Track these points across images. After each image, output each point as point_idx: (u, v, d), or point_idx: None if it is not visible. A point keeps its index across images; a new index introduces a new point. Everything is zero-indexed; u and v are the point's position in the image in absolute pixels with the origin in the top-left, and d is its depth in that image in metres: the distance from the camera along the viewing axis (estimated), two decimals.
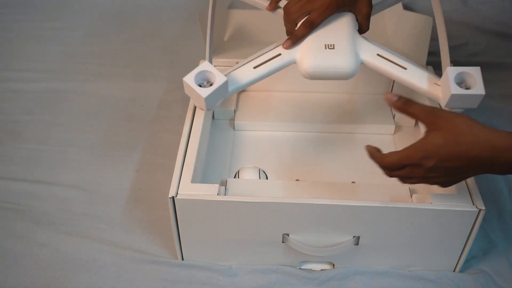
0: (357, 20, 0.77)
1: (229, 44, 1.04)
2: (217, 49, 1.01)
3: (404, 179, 0.67)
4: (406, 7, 1.23)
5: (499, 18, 1.33)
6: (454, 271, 0.80)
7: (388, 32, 1.10)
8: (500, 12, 1.35)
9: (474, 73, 0.70)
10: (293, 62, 0.76)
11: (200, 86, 0.70)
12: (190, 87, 0.70)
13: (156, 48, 1.27)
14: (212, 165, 0.87)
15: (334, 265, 0.81)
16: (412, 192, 0.79)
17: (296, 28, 0.75)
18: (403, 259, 0.79)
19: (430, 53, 0.98)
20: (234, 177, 0.86)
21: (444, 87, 0.71)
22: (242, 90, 1.01)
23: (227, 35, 1.07)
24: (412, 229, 0.74)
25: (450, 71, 0.70)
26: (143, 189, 0.93)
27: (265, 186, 0.81)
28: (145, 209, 0.89)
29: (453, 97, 0.69)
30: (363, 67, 0.76)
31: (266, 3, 0.81)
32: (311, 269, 0.80)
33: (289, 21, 0.75)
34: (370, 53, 0.75)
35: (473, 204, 0.72)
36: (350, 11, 0.76)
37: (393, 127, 0.94)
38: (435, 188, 0.81)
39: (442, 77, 0.72)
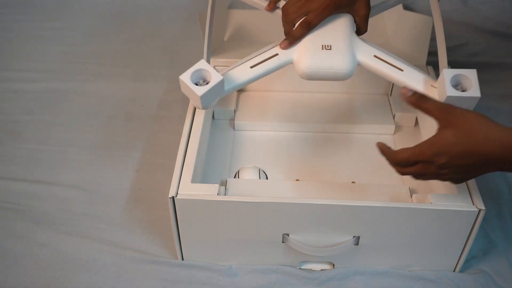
0: (355, 21, 0.77)
1: (229, 44, 1.05)
2: (217, 49, 1.01)
3: (417, 176, 0.68)
4: (406, 7, 1.23)
5: (499, 18, 1.33)
6: (454, 271, 0.80)
7: (388, 32, 1.10)
8: (500, 12, 1.35)
9: (470, 76, 0.70)
10: (290, 63, 0.76)
11: (196, 84, 0.70)
12: (186, 85, 0.70)
13: (156, 48, 1.27)
14: (212, 165, 0.87)
15: (334, 265, 0.81)
16: (412, 192, 0.79)
17: (293, 29, 0.75)
18: (403, 259, 0.79)
19: (430, 53, 0.97)
20: (234, 177, 0.86)
21: (440, 89, 0.71)
22: (242, 90, 1.01)
23: (227, 35, 1.07)
24: (412, 229, 0.74)
25: (446, 73, 0.70)
26: (143, 189, 0.93)
27: (265, 186, 0.81)
28: (145, 209, 0.89)
29: (449, 99, 0.69)
30: (363, 67, 0.76)
31: (265, 4, 0.81)
32: (311, 269, 0.80)
33: (287, 22, 0.76)
34: (367, 54, 0.75)
35: (473, 204, 0.72)
36: (348, 12, 0.76)
37: (393, 127, 0.94)
38: (435, 188, 0.81)
39: (438, 79, 0.72)
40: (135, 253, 0.83)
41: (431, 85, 0.73)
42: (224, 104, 0.97)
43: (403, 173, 0.68)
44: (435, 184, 0.82)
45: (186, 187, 0.74)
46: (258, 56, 0.76)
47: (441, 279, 0.79)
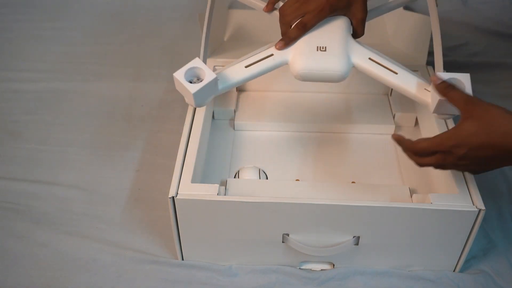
0: (352, 24, 0.77)
1: (229, 44, 1.05)
2: (217, 49, 1.01)
3: (435, 166, 0.68)
4: (406, 7, 1.23)
5: (499, 18, 1.33)
6: (454, 271, 0.80)
7: (388, 32, 1.10)
8: (500, 12, 1.35)
9: (463, 80, 0.71)
10: (285, 63, 0.76)
11: (190, 82, 0.70)
12: (180, 82, 0.70)
13: (156, 48, 1.27)
14: (212, 165, 0.87)
15: (334, 265, 0.81)
16: (412, 192, 0.79)
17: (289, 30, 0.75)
18: (403, 259, 0.79)
19: (430, 53, 0.97)
20: (234, 177, 0.86)
21: (433, 93, 0.71)
22: (242, 90, 1.01)
23: (227, 35, 1.07)
24: (412, 229, 0.74)
25: (439, 77, 0.70)
26: (143, 189, 0.93)
27: (265, 186, 0.81)
28: (145, 209, 0.89)
29: (441, 103, 0.70)
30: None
31: (263, 4, 0.81)
32: (311, 269, 0.80)
33: (284, 23, 0.76)
34: (362, 56, 0.75)
35: (473, 204, 0.72)
36: (344, 15, 0.76)
37: (393, 127, 0.94)
38: (436, 188, 0.81)
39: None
40: (135, 253, 0.83)
41: (425, 89, 0.73)
42: (224, 104, 0.97)
43: (421, 164, 0.69)
44: (435, 184, 0.82)
45: (186, 187, 0.74)
46: (253, 56, 0.76)
47: (441, 279, 0.79)
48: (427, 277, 0.79)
